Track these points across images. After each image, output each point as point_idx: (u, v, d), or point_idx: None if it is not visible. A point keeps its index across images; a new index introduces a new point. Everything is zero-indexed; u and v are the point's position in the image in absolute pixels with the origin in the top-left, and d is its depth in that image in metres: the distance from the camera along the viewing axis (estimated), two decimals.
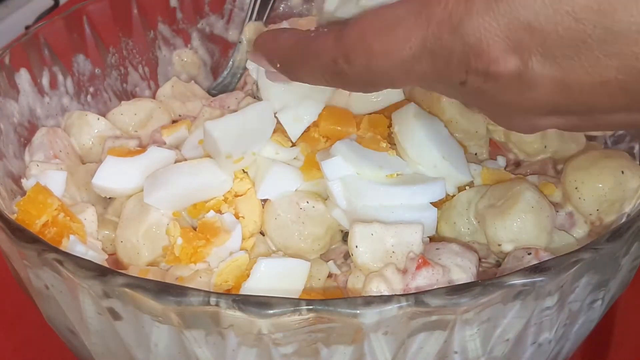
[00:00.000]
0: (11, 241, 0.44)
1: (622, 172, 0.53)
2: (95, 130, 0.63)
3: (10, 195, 0.56)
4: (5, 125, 0.59)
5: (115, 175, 0.56)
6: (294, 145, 0.56)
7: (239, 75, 0.76)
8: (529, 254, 0.48)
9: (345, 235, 0.52)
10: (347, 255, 0.51)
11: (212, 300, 0.37)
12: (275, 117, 0.55)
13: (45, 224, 0.51)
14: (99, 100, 0.71)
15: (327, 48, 0.41)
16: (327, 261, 0.53)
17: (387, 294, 0.46)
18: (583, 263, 0.40)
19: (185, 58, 0.77)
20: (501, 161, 0.59)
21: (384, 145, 0.54)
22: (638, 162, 0.57)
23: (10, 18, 1.06)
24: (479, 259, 0.50)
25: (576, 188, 0.54)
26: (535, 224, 0.51)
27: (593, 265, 0.41)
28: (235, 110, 0.62)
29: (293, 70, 0.46)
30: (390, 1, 0.39)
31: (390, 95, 0.58)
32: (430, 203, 0.52)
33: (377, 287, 0.46)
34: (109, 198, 0.59)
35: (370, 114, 0.58)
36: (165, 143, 0.61)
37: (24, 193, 0.56)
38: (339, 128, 0.56)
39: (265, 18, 0.76)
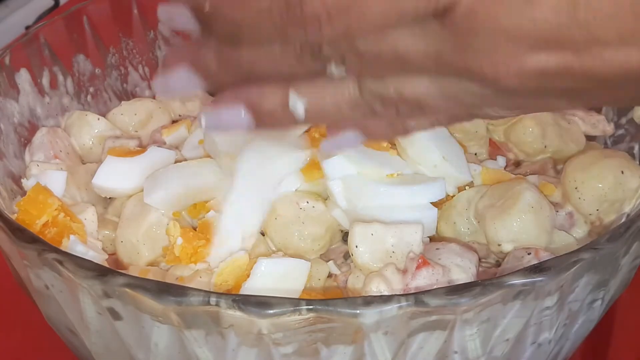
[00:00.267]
0: (11, 241, 0.44)
1: (622, 172, 0.53)
2: (96, 130, 0.63)
3: (11, 195, 0.56)
4: (5, 125, 0.59)
5: (115, 175, 0.56)
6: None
7: None
8: (529, 254, 0.48)
9: (345, 235, 0.52)
10: (347, 255, 0.51)
11: (212, 300, 0.37)
12: None
13: (45, 224, 0.51)
14: (99, 100, 0.71)
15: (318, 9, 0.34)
16: (327, 261, 0.53)
17: (387, 294, 0.46)
18: (583, 263, 0.40)
19: None
20: (501, 161, 0.59)
21: (385, 144, 0.54)
22: (638, 162, 0.57)
23: (11, 18, 1.06)
24: (479, 259, 0.50)
25: (576, 188, 0.54)
26: (535, 224, 0.51)
27: (593, 265, 0.41)
28: None
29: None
30: None
31: None
32: (430, 203, 0.52)
33: (377, 287, 0.46)
34: (109, 198, 0.59)
35: None
36: (165, 143, 0.61)
37: (24, 193, 0.56)
38: None
39: None
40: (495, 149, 0.61)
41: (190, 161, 0.56)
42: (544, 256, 0.48)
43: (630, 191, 0.53)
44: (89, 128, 0.63)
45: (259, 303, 0.37)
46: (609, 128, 0.63)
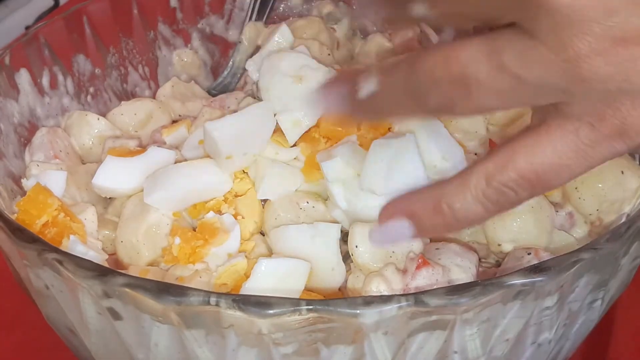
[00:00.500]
0: (11, 241, 0.44)
1: (622, 173, 0.53)
2: (95, 130, 0.63)
3: (11, 195, 0.56)
4: (5, 126, 0.59)
5: (115, 175, 0.56)
6: (293, 145, 0.56)
7: (239, 76, 0.76)
8: (529, 253, 0.48)
9: (345, 236, 0.52)
10: (347, 255, 0.51)
11: (213, 300, 0.37)
12: (275, 118, 0.55)
13: (45, 224, 0.51)
14: (99, 101, 0.71)
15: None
16: None
17: (387, 294, 0.46)
18: (583, 263, 0.40)
19: (185, 58, 0.77)
20: None
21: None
22: (638, 162, 0.57)
23: (10, 18, 1.06)
24: (479, 259, 0.50)
25: (576, 188, 0.54)
26: (535, 224, 0.51)
27: (593, 265, 0.41)
28: (235, 111, 0.62)
29: None
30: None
31: None
32: None
33: (377, 287, 0.46)
34: (109, 198, 0.59)
35: None
36: (165, 143, 0.61)
37: (24, 193, 0.56)
38: (339, 129, 0.56)
39: (265, 18, 0.76)
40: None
41: (190, 161, 0.56)
42: (544, 256, 0.48)
43: (630, 191, 0.53)
44: (89, 128, 0.63)
45: (259, 303, 0.37)
46: None
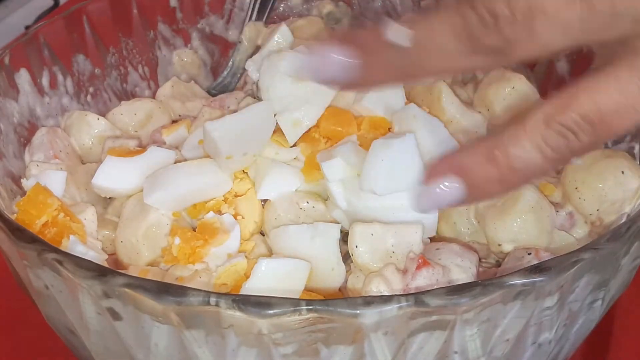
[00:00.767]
0: (11, 241, 0.43)
1: (622, 172, 0.53)
2: (95, 130, 0.63)
3: (10, 195, 0.56)
4: (5, 125, 0.59)
5: (115, 175, 0.56)
6: (294, 145, 0.56)
7: (238, 75, 0.76)
8: (529, 254, 0.48)
9: (345, 236, 0.52)
10: (347, 255, 0.51)
11: (212, 300, 0.37)
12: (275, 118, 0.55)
13: (45, 224, 0.51)
14: (99, 100, 0.71)
15: None
16: None
17: (387, 294, 0.46)
18: (583, 263, 0.40)
19: (185, 58, 0.77)
20: None
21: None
22: (638, 162, 0.57)
23: (10, 18, 1.06)
24: (479, 259, 0.50)
25: (576, 188, 0.54)
26: (535, 224, 0.51)
27: (593, 266, 0.41)
28: (235, 111, 0.62)
29: None
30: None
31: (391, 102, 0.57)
32: None
33: (377, 287, 0.46)
34: (109, 198, 0.59)
35: None
36: (165, 143, 0.61)
37: (23, 193, 0.56)
38: (339, 129, 0.56)
39: (265, 18, 0.76)
40: None
41: (190, 161, 0.56)
42: (544, 256, 0.48)
43: (630, 191, 0.53)
44: (89, 128, 0.63)
45: (259, 303, 0.37)
46: None
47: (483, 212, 0.52)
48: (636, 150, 0.60)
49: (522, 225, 0.50)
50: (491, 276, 0.49)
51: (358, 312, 0.37)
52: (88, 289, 0.41)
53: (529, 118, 0.37)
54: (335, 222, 0.53)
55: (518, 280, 0.38)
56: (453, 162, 0.39)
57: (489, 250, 0.52)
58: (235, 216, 0.53)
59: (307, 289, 0.49)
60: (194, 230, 0.53)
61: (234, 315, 0.38)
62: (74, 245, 0.51)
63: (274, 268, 0.48)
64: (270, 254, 0.53)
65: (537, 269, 0.39)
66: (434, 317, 0.39)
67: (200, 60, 0.78)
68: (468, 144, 0.39)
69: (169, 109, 0.68)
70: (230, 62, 0.76)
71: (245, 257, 0.51)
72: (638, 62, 0.35)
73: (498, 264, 0.52)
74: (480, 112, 0.61)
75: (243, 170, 0.56)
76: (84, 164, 0.63)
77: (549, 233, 0.51)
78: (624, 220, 0.52)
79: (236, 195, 0.55)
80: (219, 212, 0.54)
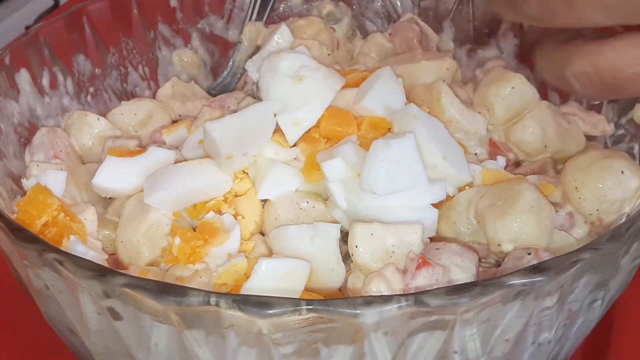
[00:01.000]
0: (11, 241, 0.44)
1: (622, 173, 0.53)
2: (95, 130, 0.63)
3: (11, 195, 0.56)
4: (5, 126, 0.59)
5: (115, 175, 0.56)
6: (294, 145, 0.56)
7: (239, 76, 0.76)
8: (529, 254, 0.48)
9: (345, 236, 0.52)
10: (347, 255, 0.51)
11: (213, 300, 0.37)
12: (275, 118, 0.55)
13: (45, 224, 0.51)
14: (99, 101, 0.71)
15: None
16: None
17: (387, 294, 0.46)
18: (583, 263, 0.40)
19: (185, 58, 0.77)
20: (501, 161, 0.59)
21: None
22: (638, 163, 0.57)
23: (11, 18, 1.06)
24: (479, 259, 0.50)
25: (576, 188, 0.54)
26: (535, 224, 0.51)
27: (593, 265, 0.41)
28: (235, 111, 0.62)
29: None
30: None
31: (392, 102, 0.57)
32: (431, 204, 0.52)
33: (377, 287, 0.46)
34: (109, 198, 0.59)
35: None
36: (165, 143, 0.61)
37: (24, 193, 0.56)
38: (339, 129, 0.56)
39: (265, 18, 0.76)
40: (495, 149, 0.61)
41: (190, 161, 0.56)
42: (544, 256, 0.48)
43: (630, 191, 0.53)
44: (89, 128, 0.63)
45: (259, 303, 0.37)
46: (609, 128, 0.63)
47: (483, 212, 0.52)
48: (636, 151, 0.60)
49: (521, 225, 0.50)
50: (491, 276, 0.49)
51: (358, 312, 0.37)
52: (88, 289, 0.41)
53: None
54: (335, 222, 0.53)
55: (518, 280, 0.38)
56: None
57: (489, 250, 0.52)
58: (235, 216, 0.54)
59: (307, 289, 0.49)
60: (194, 230, 0.53)
61: (234, 315, 0.38)
62: (74, 245, 0.51)
63: (274, 268, 0.48)
64: (270, 254, 0.53)
65: (537, 269, 0.39)
66: (433, 317, 0.39)
67: (200, 60, 0.78)
68: None
69: (169, 109, 0.68)
70: (230, 62, 0.76)
71: (246, 257, 0.51)
72: None
73: (498, 264, 0.52)
74: (480, 112, 0.61)
75: (243, 170, 0.56)
76: (84, 164, 0.63)
77: (548, 233, 0.51)
78: (623, 220, 0.52)
79: (236, 195, 0.55)
80: (219, 212, 0.54)
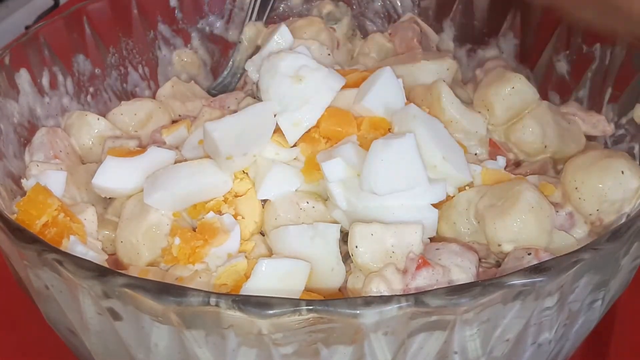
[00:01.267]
0: (11, 241, 0.44)
1: (622, 173, 0.53)
2: (95, 130, 0.63)
3: (10, 195, 0.56)
4: (5, 126, 0.59)
5: (115, 176, 0.56)
6: (294, 145, 0.56)
7: (238, 76, 0.76)
8: (529, 254, 0.48)
9: (345, 236, 0.52)
10: (347, 255, 0.51)
11: (212, 300, 0.37)
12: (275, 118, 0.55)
13: (45, 224, 0.51)
14: (99, 101, 0.71)
15: None
16: None
17: (387, 294, 0.46)
18: (583, 263, 0.40)
19: (185, 58, 0.77)
20: (501, 161, 0.59)
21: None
22: (638, 163, 0.57)
23: (11, 18, 1.07)
24: (479, 259, 0.50)
25: (576, 188, 0.54)
26: (535, 224, 0.51)
27: (593, 266, 0.41)
28: (235, 111, 0.62)
29: None
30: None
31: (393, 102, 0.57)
32: (431, 204, 0.52)
33: (377, 287, 0.46)
34: (109, 198, 0.59)
35: None
36: (165, 143, 0.61)
37: (24, 193, 0.56)
38: (339, 129, 0.56)
39: (265, 18, 0.76)
40: (495, 149, 0.61)
41: (190, 162, 0.56)
42: (544, 256, 0.48)
43: (630, 191, 0.53)
44: (89, 128, 0.63)
45: (259, 303, 0.37)
46: (609, 128, 0.63)
47: (483, 213, 0.52)
48: (636, 151, 0.60)
49: (522, 226, 0.50)
50: (491, 276, 0.49)
51: (358, 312, 0.37)
52: (88, 289, 0.41)
53: None
54: (335, 222, 0.53)
55: (518, 281, 0.38)
56: None
57: (489, 250, 0.52)
58: (235, 216, 0.53)
59: (307, 289, 0.49)
60: (194, 230, 0.53)
61: (234, 315, 0.38)
62: (74, 246, 0.51)
63: (274, 268, 0.48)
64: (270, 254, 0.53)
65: (537, 269, 0.39)
66: (433, 318, 0.39)
67: (200, 60, 0.78)
68: None
69: (169, 109, 0.68)
70: (230, 62, 0.76)
71: (245, 257, 0.51)
72: None
73: (498, 264, 0.52)
74: (480, 112, 0.61)
75: (243, 171, 0.56)
76: (84, 164, 0.63)
77: (548, 233, 0.51)
78: (623, 220, 0.52)
79: (236, 196, 0.55)
80: (219, 212, 0.54)
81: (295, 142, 0.56)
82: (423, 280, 0.46)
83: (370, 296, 0.38)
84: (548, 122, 0.60)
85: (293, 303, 0.37)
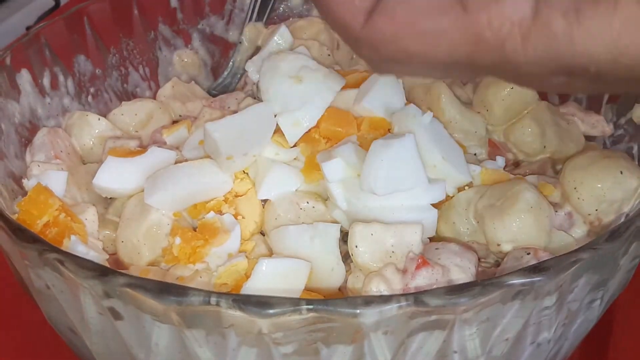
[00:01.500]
0: (12, 241, 0.44)
1: (621, 173, 0.53)
2: (96, 131, 0.63)
3: (12, 195, 0.56)
4: (6, 126, 0.60)
5: (116, 176, 0.56)
6: (293, 146, 0.56)
7: (239, 76, 0.76)
8: (528, 253, 0.48)
9: (345, 235, 0.52)
10: (347, 255, 0.51)
11: (213, 300, 0.38)
12: (275, 118, 0.56)
13: (46, 224, 0.51)
14: (100, 101, 0.71)
15: (353, 28, 0.39)
16: None
17: (386, 293, 0.46)
18: (582, 263, 0.40)
19: (185, 58, 0.77)
20: (500, 161, 0.59)
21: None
22: (637, 163, 0.57)
23: (12, 18, 1.07)
24: (479, 259, 0.50)
25: (575, 188, 0.54)
26: (534, 224, 0.51)
27: (592, 265, 0.41)
28: (235, 111, 0.62)
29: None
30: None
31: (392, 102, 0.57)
32: (430, 204, 0.52)
33: (376, 287, 0.46)
34: (110, 198, 0.59)
35: None
36: (165, 143, 0.61)
37: (25, 193, 0.56)
38: (339, 129, 0.56)
39: (265, 19, 0.76)
40: (494, 149, 0.61)
41: (191, 162, 0.56)
42: (543, 256, 0.48)
43: (629, 191, 0.53)
44: (90, 128, 0.63)
45: (260, 303, 0.37)
46: (608, 128, 0.63)
47: (482, 213, 0.52)
48: (635, 151, 0.61)
49: (521, 225, 0.51)
50: (490, 276, 0.49)
51: (358, 311, 0.37)
52: (89, 289, 0.41)
53: None
54: (335, 222, 0.53)
55: (517, 280, 0.38)
56: None
57: (488, 250, 0.53)
58: (235, 216, 0.54)
59: (307, 289, 0.49)
60: (195, 230, 0.53)
61: (235, 314, 0.38)
62: (75, 246, 0.51)
63: (274, 268, 0.48)
64: (270, 253, 0.53)
65: (536, 269, 0.39)
66: (433, 317, 0.39)
67: (200, 60, 0.78)
68: None
69: (169, 109, 0.68)
70: (231, 63, 0.76)
71: (246, 257, 0.51)
72: None
73: (497, 264, 0.52)
74: (479, 112, 0.61)
75: (243, 171, 0.56)
76: (85, 164, 0.63)
77: (547, 233, 0.52)
78: (622, 220, 0.52)
79: (236, 196, 0.55)
80: (220, 212, 0.54)
81: (295, 143, 0.56)
82: (423, 279, 0.46)
83: (370, 296, 0.38)
84: (547, 123, 0.60)
85: (293, 302, 0.37)
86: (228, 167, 0.54)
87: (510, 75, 0.38)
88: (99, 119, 0.64)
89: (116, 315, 0.42)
